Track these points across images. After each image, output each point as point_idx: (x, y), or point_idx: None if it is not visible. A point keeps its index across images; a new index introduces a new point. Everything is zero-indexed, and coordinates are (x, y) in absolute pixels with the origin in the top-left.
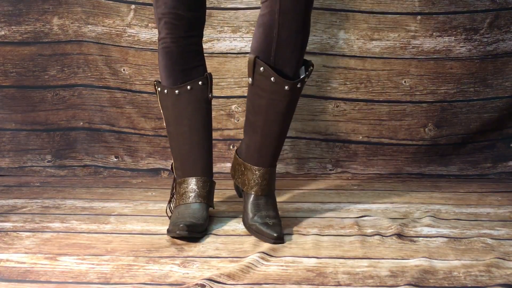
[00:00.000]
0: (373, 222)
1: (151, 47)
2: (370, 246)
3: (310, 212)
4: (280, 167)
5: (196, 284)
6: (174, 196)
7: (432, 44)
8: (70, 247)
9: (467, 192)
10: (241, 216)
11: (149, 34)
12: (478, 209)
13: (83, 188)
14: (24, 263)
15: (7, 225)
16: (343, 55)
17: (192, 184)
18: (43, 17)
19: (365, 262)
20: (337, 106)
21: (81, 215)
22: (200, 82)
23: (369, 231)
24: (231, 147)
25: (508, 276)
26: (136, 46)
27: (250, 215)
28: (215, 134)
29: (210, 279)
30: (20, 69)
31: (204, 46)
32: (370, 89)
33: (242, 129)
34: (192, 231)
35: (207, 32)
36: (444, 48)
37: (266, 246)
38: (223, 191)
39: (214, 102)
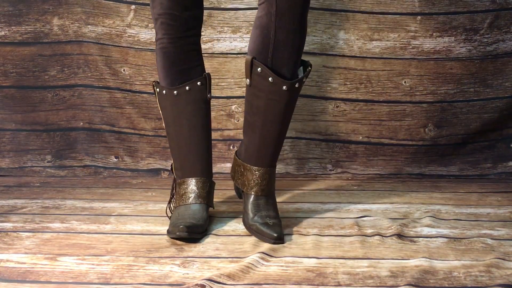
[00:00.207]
0: (373, 223)
1: (151, 47)
2: (370, 246)
3: (310, 212)
4: (280, 167)
5: (196, 285)
6: (174, 196)
7: (432, 44)
8: (70, 247)
9: (467, 193)
10: (241, 216)
11: (149, 34)
12: (478, 209)
13: (83, 188)
14: (24, 263)
15: (7, 225)
16: (343, 56)
17: (191, 185)
18: (43, 17)
19: (365, 263)
20: (337, 107)
21: (81, 215)
22: (198, 83)
23: (369, 231)
24: (231, 147)
25: (508, 277)
26: (136, 47)
27: (250, 215)
28: (215, 134)
29: (210, 279)
30: (20, 70)
31: (204, 46)
32: (370, 90)
33: (242, 130)
34: (192, 232)
35: (207, 33)
36: (444, 49)
37: (266, 246)
38: (223, 191)
39: (214, 102)
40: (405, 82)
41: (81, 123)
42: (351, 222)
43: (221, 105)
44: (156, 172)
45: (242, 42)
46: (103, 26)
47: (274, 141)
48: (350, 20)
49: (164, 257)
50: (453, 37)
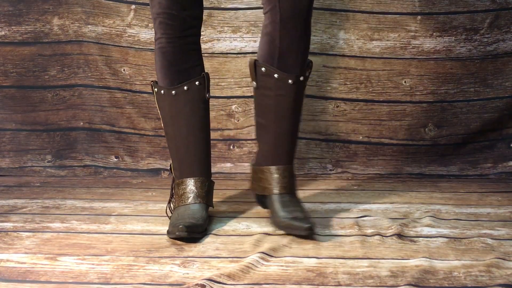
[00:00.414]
0: (373, 222)
1: (151, 47)
2: (370, 246)
3: (310, 212)
4: None
5: (196, 284)
6: (174, 196)
7: (432, 44)
8: (70, 247)
9: (467, 192)
10: (241, 216)
11: (149, 34)
12: (478, 209)
13: (83, 188)
14: (24, 263)
15: (7, 225)
16: (343, 55)
17: (190, 185)
18: (43, 17)
19: (365, 262)
20: (337, 106)
21: (81, 215)
22: (197, 82)
23: (369, 231)
24: (231, 147)
25: (508, 276)
26: (136, 46)
27: (278, 213)
28: (215, 134)
29: (210, 279)
30: (20, 69)
31: (204, 46)
32: (370, 89)
33: (242, 129)
34: (191, 232)
35: (207, 32)
36: (444, 48)
37: (266, 246)
38: (223, 191)
39: (214, 102)
40: (405, 82)
41: (81, 123)
42: (351, 222)
43: (221, 105)
44: (156, 172)
45: (242, 42)
46: (103, 26)
47: (289, 137)
48: (350, 20)
49: (164, 257)
50: (453, 37)
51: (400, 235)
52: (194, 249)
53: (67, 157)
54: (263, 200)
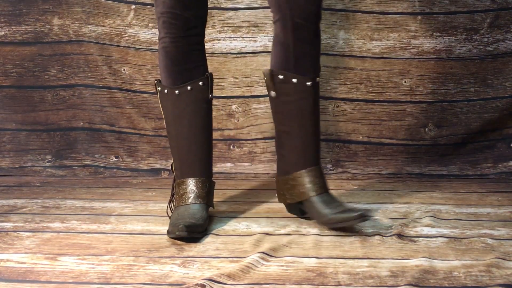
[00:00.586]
0: (373, 222)
1: (151, 47)
2: (370, 246)
3: None
4: None
5: (196, 284)
6: (174, 196)
7: (432, 44)
8: (70, 247)
9: (467, 192)
10: (241, 216)
11: (149, 34)
12: (478, 209)
13: (84, 188)
14: (24, 263)
15: (8, 225)
16: (343, 55)
17: (191, 185)
18: (43, 17)
19: (365, 262)
20: (337, 106)
21: (81, 215)
22: (200, 83)
23: (369, 231)
24: (231, 147)
25: (508, 276)
26: (136, 46)
27: (324, 212)
28: (215, 134)
29: (210, 279)
30: (20, 69)
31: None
32: (370, 89)
33: (242, 129)
34: (191, 232)
35: (207, 32)
36: (444, 48)
37: (266, 246)
38: (223, 191)
39: (214, 102)
40: (405, 82)
41: (81, 123)
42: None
43: (221, 105)
44: (156, 172)
45: (242, 42)
46: (103, 26)
47: (313, 139)
48: (350, 20)
49: (164, 257)
50: (453, 37)
51: (400, 235)
52: (194, 249)
53: (67, 157)
54: (299, 207)
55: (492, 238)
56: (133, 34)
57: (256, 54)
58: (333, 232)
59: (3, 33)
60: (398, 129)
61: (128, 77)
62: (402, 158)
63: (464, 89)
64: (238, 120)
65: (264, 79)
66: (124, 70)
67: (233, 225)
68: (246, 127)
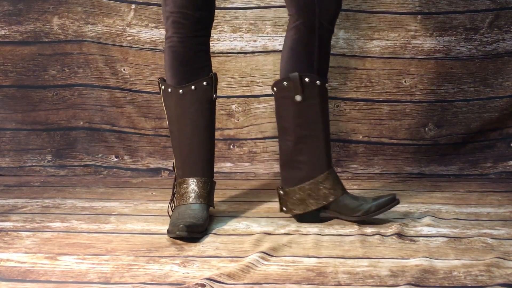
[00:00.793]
0: (373, 222)
1: (151, 47)
2: (370, 245)
3: None
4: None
5: (196, 284)
6: (175, 195)
7: (432, 43)
8: (70, 246)
9: (467, 192)
10: (242, 216)
11: (149, 33)
12: (478, 208)
13: (84, 187)
14: (24, 262)
15: (8, 224)
16: (343, 55)
17: (192, 184)
18: (43, 16)
19: (365, 262)
20: (337, 106)
21: (81, 214)
22: (204, 83)
23: (369, 230)
24: (231, 146)
25: (508, 276)
26: (136, 46)
27: (358, 206)
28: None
29: (210, 279)
30: (20, 69)
31: None
32: (370, 89)
33: (242, 129)
34: (191, 232)
35: None
36: (444, 48)
37: (266, 245)
38: (223, 191)
39: None
40: (405, 82)
41: (81, 123)
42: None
43: (221, 104)
44: (156, 171)
45: (242, 42)
46: (103, 26)
47: (329, 140)
48: (350, 19)
49: (164, 256)
50: (453, 37)
51: (400, 235)
52: (194, 249)
53: (67, 157)
54: (320, 212)
55: (492, 238)
56: (133, 34)
57: (256, 54)
58: (333, 232)
59: (3, 32)
60: (398, 129)
61: (128, 76)
62: (402, 157)
63: (464, 88)
64: (238, 120)
65: (284, 84)
66: (124, 69)
67: (233, 225)
68: (246, 126)
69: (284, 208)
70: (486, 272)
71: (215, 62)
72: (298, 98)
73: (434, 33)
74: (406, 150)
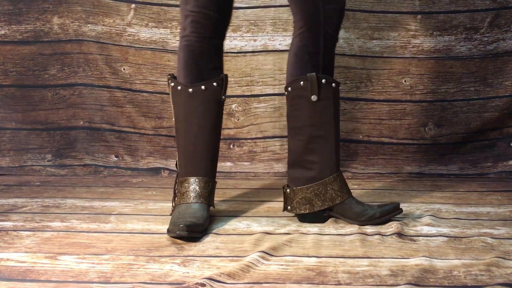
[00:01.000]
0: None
1: (151, 46)
2: (370, 245)
3: None
4: (280, 167)
5: (197, 283)
6: (176, 194)
7: (432, 43)
8: (71, 246)
9: (467, 191)
10: (242, 215)
11: (149, 33)
12: (478, 208)
13: (83, 187)
14: (24, 262)
15: (8, 224)
16: (343, 54)
17: (194, 184)
18: (43, 16)
19: (365, 261)
20: None
21: (81, 214)
22: (215, 83)
23: (369, 230)
24: (231, 146)
25: (508, 275)
26: (136, 45)
27: (364, 211)
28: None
29: (210, 278)
30: (20, 68)
31: None
32: (371, 88)
33: (242, 128)
34: (192, 231)
35: None
36: (444, 47)
37: (266, 245)
38: (223, 190)
39: None
40: (405, 81)
41: (81, 122)
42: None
43: None
44: (156, 171)
45: (242, 41)
46: (103, 25)
47: (339, 141)
48: (350, 19)
49: (164, 256)
50: (453, 36)
51: (400, 234)
52: (194, 248)
53: (67, 156)
54: (324, 212)
55: (492, 237)
56: (133, 33)
57: (256, 53)
58: (333, 231)
59: (3, 32)
60: (398, 128)
61: (128, 76)
62: (402, 157)
63: (464, 88)
64: (238, 119)
65: (301, 83)
66: (124, 69)
67: (233, 224)
68: (246, 126)
69: (289, 207)
70: (486, 271)
71: None
72: (314, 98)
73: (434, 32)
74: (406, 149)
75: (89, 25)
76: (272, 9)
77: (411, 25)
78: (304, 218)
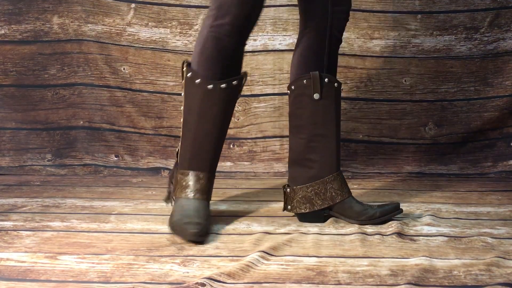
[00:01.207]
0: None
1: (151, 46)
2: (370, 245)
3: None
4: (280, 166)
5: (197, 283)
6: (176, 185)
7: (433, 43)
8: (70, 246)
9: (468, 191)
10: (242, 215)
11: (149, 33)
12: (478, 208)
13: (83, 187)
14: (24, 262)
15: (8, 224)
16: (344, 54)
17: (196, 178)
18: (43, 16)
19: (365, 261)
20: None
21: (81, 214)
22: (234, 82)
23: (369, 230)
24: (231, 146)
25: (508, 275)
26: (136, 45)
27: (364, 210)
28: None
29: (210, 278)
30: (20, 68)
31: None
32: (371, 88)
33: (242, 128)
34: (200, 236)
35: None
36: (444, 47)
37: (266, 245)
38: (223, 190)
39: None
40: (405, 81)
41: (81, 122)
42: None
43: None
44: (156, 170)
45: None
46: (103, 25)
47: (339, 140)
48: (350, 19)
49: (164, 255)
50: (453, 36)
51: (400, 234)
52: (194, 248)
53: (67, 156)
54: (324, 212)
55: (492, 237)
56: (133, 33)
57: (256, 53)
58: (333, 231)
59: (3, 32)
60: (398, 128)
61: (128, 76)
62: (402, 157)
63: (464, 88)
64: (238, 119)
65: (304, 81)
66: (124, 69)
67: (233, 224)
68: (246, 126)
69: (289, 207)
70: (486, 271)
71: None
72: (316, 96)
73: (434, 32)
74: (406, 149)
75: (89, 25)
76: (272, 9)
77: (411, 24)
78: (304, 217)
